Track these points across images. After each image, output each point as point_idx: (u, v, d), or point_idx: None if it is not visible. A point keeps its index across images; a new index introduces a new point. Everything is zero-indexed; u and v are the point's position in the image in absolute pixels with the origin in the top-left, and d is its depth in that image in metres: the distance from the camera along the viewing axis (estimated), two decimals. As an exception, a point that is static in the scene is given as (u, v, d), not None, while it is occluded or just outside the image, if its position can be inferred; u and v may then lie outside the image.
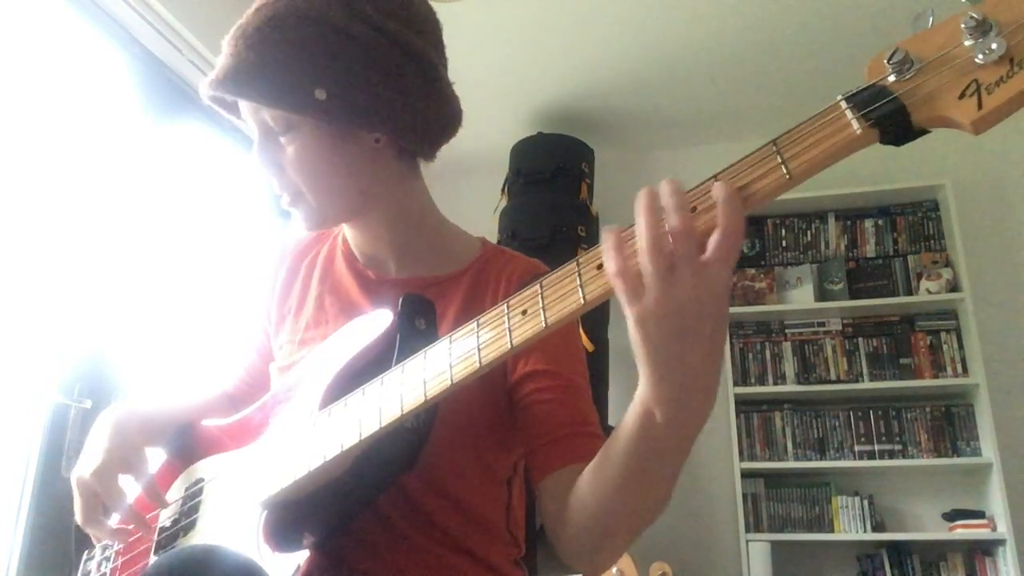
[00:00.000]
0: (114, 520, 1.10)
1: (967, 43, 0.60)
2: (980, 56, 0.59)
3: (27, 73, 2.20)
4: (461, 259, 1.19)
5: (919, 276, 3.76)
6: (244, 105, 1.07)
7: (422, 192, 1.20)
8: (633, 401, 0.78)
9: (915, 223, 3.93)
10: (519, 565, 1.15)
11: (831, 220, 4.03)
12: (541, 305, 0.76)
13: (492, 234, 3.85)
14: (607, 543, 0.94)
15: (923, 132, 0.63)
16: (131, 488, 1.09)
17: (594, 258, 0.73)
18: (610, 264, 0.70)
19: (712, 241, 0.68)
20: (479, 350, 0.80)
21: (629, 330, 0.71)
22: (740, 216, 0.67)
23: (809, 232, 4.05)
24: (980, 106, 0.59)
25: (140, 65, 2.63)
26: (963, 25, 0.60)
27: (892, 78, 0.63)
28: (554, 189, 3.82)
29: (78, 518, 1.10)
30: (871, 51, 0.65)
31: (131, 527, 1.09)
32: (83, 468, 1.09)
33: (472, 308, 1.11)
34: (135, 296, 2.42)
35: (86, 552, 1.21)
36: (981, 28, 0.59)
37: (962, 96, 0.59)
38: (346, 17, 1.02)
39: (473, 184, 4.14)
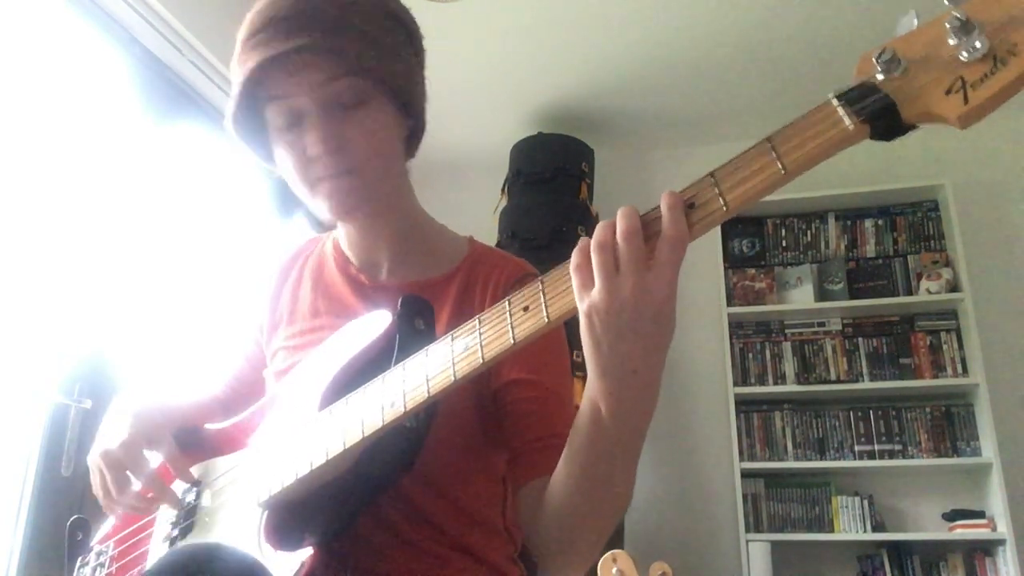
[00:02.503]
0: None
1: (952, 42, 0.62)
2: (964, 54, 0.61)
3: (27, 73, 2.20)
4: (450, 260, 1.20)
5: (919, 276, 3.77)
6: (308, 78, 1.03)
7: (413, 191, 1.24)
8: (583, 396, 0.83)
9: (915, 223, 3.93)
10: (516, 562, 1.16)
11: (831, 220, 4.04)
12: (543, 301, 0.78)
13: (492, 234, 3.86)
14: (574, 544, 0.96)
15: (912, 128, 0.66)
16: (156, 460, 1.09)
17: None
18: (572, 260, 0.77)
19: (657, 246, 0.73)
20: (481, 346, 0.81)
21: (580, 325, 0.77)
22: (682, 223, 0.72)
23: (809, 232, 4.05)
24: (966, 101, 0.61)
25: (140, 65, 2.64)
26: (948, 25, 0.62)
27: (881, 76, 0.66)
28: (554, 189, 3.83)
29: (100, 492, 1.10)
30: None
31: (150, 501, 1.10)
32: (107, 443, 1.09)
33: (463, 309, 1.12)
34: (135, 296, 2.42)
35: (80, 558, 1.21)
36: (965, 28, 0.61)
37: (948, 92, 0.62)
38: (401, 10, 1.11)
39: (473, 184, 4.16)
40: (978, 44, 0.60)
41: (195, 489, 1.10)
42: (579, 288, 0.75)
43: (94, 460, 1.11)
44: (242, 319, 1.35)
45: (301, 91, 1.04)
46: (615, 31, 3.46)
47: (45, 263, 2.18)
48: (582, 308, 0.75)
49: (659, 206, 0.74)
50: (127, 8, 2.48)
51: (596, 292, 0.74)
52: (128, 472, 1.07)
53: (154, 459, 1.09)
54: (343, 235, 1.24)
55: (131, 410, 1.13)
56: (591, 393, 0.81)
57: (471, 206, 3.78)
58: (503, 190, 4.02)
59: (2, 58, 2.12)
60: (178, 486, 1.14)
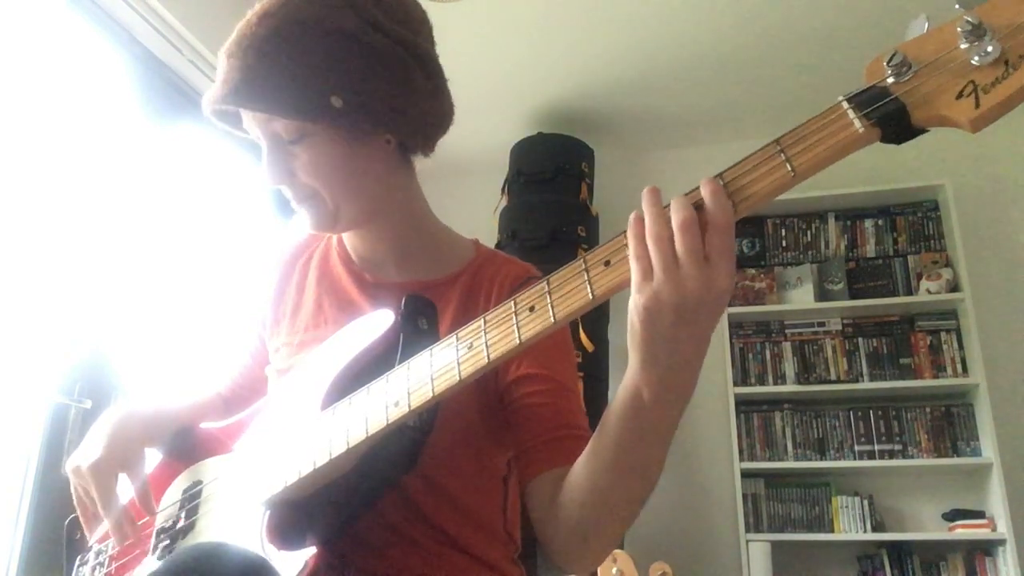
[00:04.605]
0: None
1: (963, 46, 0.62)
2: (976, 58, 0.61)
3: (27, 73, 2.20)
4: (456, 262, 1.20)
5: (919, 276, 3.77)
6: (251, 116, 1.06)
7: (420, 194, 1.23)
8: (622, 382, 0.82)
9: (915, 223, 3.93)
10: (517, 563, 1.16)
11: (831, 220, 4.03)
12: (549, 302, 0.78)
13: (492, 234, 3.86)
14: (597, 533, 0.95)
15: (922, 131, 0.65)
16: (126, 488, 1.09)
17: (600, 255, 0.77)
18: (631, 248, 0.74)
19: (706, 238, 0.71)
20: (487, 346, 0.81)
21: (629, 314, 0.75)
22: (729, 209, 0.71)
23: (809, 232, 4.05)
24: (977, 105, 0.61)
25: (140, 65, 2.63)
26: (959, 29, 0.62)
27: (891, 79, 0.66)
28: (554, 189, 3.82)
29: (76, 506, 1.11)
30: (870, 51, 0.67)
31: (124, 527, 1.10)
32: (81, 460, 1.09)
33: (468, 311, 1.13)
34: (135, 296, 2.42)
35: (79, 557, 1.21)
36: (976, 32, 0.61)
37: (960, 96, 0.62)
38: (357, 23, 1.03)
39: (473, 184, 4.15)
40: (990, 48, 0.60)
41: (196, 488, 1.10)
42: (640, 277, 0.73)
43: (70, 470, 1.11)
44: (244, 314, 1.35)
45: (251, 126, 1.07)
46: (615, 31, 3.46)
47: (45, 263, 2.18)
48: (642, 298, 0.73)
49: (696, 190, 0.73)
50: (127, 8, 2.48)
51: (659, 284, 0.72)
52: (95, 498, 1.07)
53: (125, 485, 1.09)
54: (347, 234, 1.24)
55: (112, 422, 1.13)
56: (633, 380, 0.80)
57: (471, 206, 3.77)
58: (503, 190, 4.01)
59: (2, 58, 2.12)
60: (177, 486, 1.14)
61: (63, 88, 2.33)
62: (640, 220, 0.75)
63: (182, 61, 2.76)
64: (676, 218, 0.72)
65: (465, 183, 4.12)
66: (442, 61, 1.16)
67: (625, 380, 0.82)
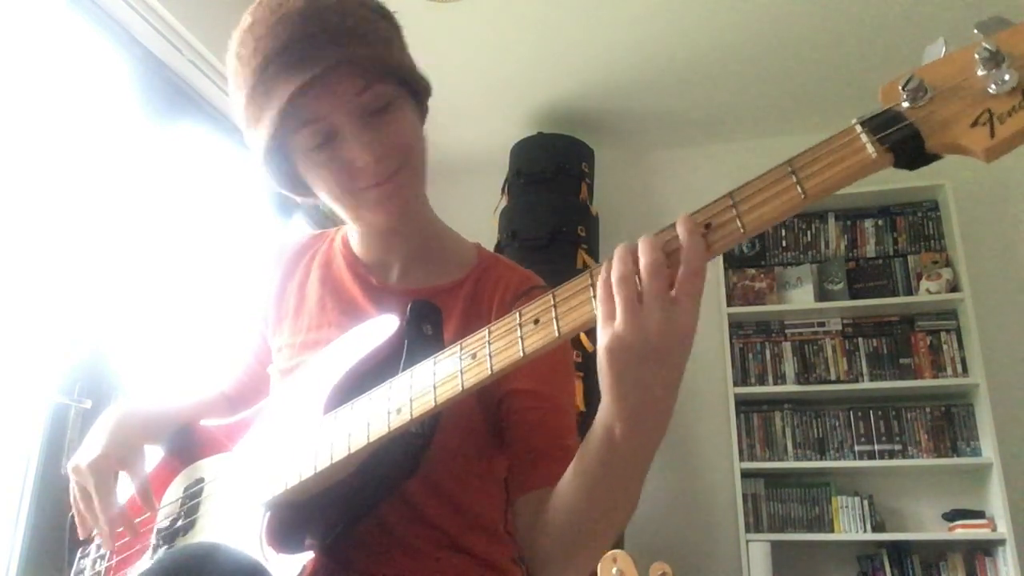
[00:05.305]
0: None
1: (980, 73, 0.62)
2: (993, 86, 0.61)
3: (27, 73, 2.19)
4: (460, 267, 1.20)
5: (919, 276, 3.77)
6: (340, 96, 1.01)
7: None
8: (596, 416, 0.83)
9: (915, 223, 3.93)
10: (518, 563, 1.16)
11: (831, 220, 4.03)
12: (554, 315, 0.78)
13: (492, 234, 3.86)
14: (579, 549, 0.97)
15: (936, 157, 0.65)
16: (125, 487, 1.09)
17: (606, 272, 0.76)
18: (597, 292, 0.76)
19: (677, 278, 0.73)
20: (490, 357, 0.81)
21: (597, 353, 0.77)
22: (703, 254, 0.72)
23: (809, 232, 4.05)
24: (992, 135, 0.60)
25: (140, 65, 2.63)
26: (977, 56, 0.61)
27: (906, 104, 0.65)
28: (554, 189, 3.82)
29: (73, 506, 1.10)
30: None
31: (120, 530, 1.09)
32: (82, 459, 1.09)
33: (472, 317, 1.13)
34: (135, 296, 2.42)
35: (80, 549, 1.21)
36: (994, 60, 0.60)
37: (975, 124, 0.61)
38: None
39: (473, 184, 4.14)
40: (1007, 77, 0.59)
41: (197, 487, 1.11)
42: (603, 319, 0.75)
43: (71, 469, 1.11)
44: (246, 313, 1.34)
45: (334, 109, 1.01)
46: (615, 31, 3.45)
47: (45, 263, 2.18)
48: (605, 339, 0.75)
49: (674, 226, 0.73)
50: (127, 8, 2.47)
51: (620, 325, 0.73)
52: (94, 496, 1.06)
53: (125, 483, 1.09)
54: (355, 234, 1.23)
55: (113, 420, 1.13)
56: (605, 416, 0.81)
57: (471, 206, 3.77)
58: (503, 190, 4.01)
59: (2, 58, 2.11)
60: (179, 483, 1.14)
61: (63, 88, 2.32)
62: (608, 265, 0.76)
63: (182, 61, 2.75)
64: (643, 260, 0.73)
65: (465, 183, 4.11)
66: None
67: (598, 415, 0.83)
